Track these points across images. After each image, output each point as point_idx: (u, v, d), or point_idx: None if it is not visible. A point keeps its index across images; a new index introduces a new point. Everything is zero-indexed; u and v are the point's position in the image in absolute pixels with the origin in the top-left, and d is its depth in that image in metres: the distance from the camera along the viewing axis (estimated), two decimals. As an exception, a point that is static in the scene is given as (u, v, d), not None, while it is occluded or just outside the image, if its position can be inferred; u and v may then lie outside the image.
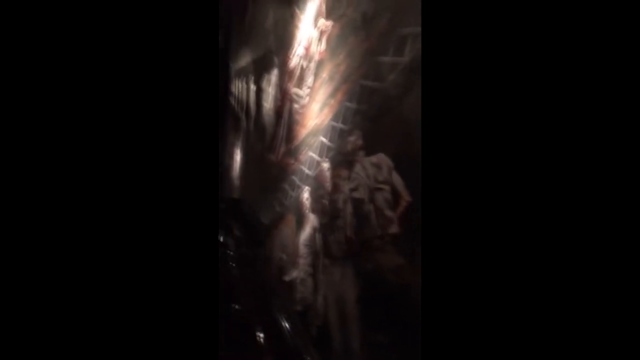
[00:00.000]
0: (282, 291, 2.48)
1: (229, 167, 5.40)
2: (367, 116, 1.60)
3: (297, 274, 2.27)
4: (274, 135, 3.21)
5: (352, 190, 1.64)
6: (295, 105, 2.71)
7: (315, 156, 2.19)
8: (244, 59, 5.00)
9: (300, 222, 2.32)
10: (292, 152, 2.66)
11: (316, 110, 2.27)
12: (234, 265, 3.62)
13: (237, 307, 3.05)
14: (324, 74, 2.20)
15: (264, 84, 3.74)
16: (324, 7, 2.33)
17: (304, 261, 2.18)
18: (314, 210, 2.12)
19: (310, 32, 2.54)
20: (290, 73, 2.90)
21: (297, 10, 2.88)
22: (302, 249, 2.21)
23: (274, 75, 3.43)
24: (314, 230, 2.07)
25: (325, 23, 2.29)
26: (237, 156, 4.87)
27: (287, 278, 2.44)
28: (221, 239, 4.28)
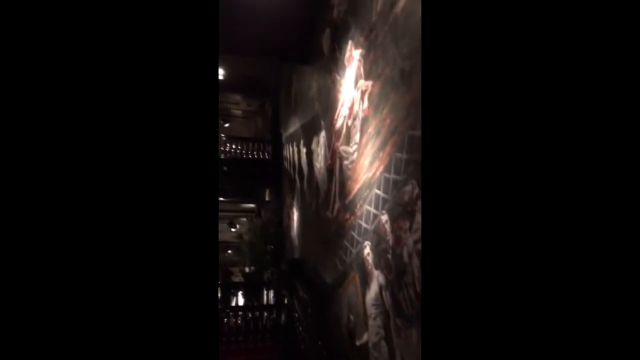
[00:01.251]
0: (355, 357, 2.31)
1: (288, 227, 5.56)
2: (421, 164, 1.59)
3: (368, 337, 2.13)
4: (328, 192, 3.29)
5: (416, 242, 1.57)
6: (345, 162, 2.79)
7: (372, 209, 2.17)
8: (293, 127, 5.41)
9: (365, 279, 2.23)
10: (348, 207, 2.67)
11: (366, 164, 2.31)
12: (301, 329, 3.51)
13: (309, 377, 2.89)
14: (370, 129, 2.28)
15: (314, 146, 3.97)
16: (362, 70, 2.51)
17: (373, 322, 2.05)
18: (377, 266, 2.04)
19: (351, 94, 2.71)
20: (337, 133, 3.06)
21: (338, 77, 3.12)
22: (371, 309, 2.09)
23: (322, 136, 3.63)
24: (381, 287, 1.97)
25: (365, 83, 2.44)
26: (295, 216, 5.02)
27: (358, 342, 2.29)
28: (286, 300, 4.25)
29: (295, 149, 5.07)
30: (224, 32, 3.87)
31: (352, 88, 2.69)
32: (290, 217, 5.40)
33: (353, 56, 2.70)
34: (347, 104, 2.80)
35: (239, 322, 4.52)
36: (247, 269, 6.22)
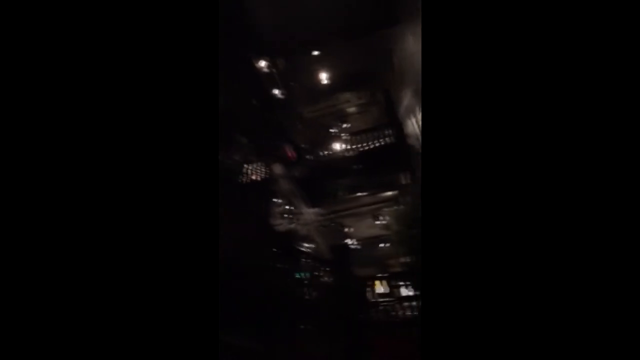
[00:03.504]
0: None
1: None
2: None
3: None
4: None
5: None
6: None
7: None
8: (406, 99, 4.98)
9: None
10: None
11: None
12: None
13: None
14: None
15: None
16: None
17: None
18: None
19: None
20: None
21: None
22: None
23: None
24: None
25: None
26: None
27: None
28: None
29: (414, 120, 4.61)
30: (323, 23, 3.97)
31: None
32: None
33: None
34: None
35: (407, 313, 4.30)
36: (402, 259, 5.96)
